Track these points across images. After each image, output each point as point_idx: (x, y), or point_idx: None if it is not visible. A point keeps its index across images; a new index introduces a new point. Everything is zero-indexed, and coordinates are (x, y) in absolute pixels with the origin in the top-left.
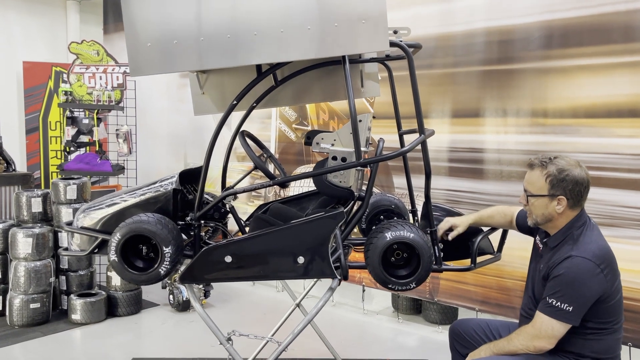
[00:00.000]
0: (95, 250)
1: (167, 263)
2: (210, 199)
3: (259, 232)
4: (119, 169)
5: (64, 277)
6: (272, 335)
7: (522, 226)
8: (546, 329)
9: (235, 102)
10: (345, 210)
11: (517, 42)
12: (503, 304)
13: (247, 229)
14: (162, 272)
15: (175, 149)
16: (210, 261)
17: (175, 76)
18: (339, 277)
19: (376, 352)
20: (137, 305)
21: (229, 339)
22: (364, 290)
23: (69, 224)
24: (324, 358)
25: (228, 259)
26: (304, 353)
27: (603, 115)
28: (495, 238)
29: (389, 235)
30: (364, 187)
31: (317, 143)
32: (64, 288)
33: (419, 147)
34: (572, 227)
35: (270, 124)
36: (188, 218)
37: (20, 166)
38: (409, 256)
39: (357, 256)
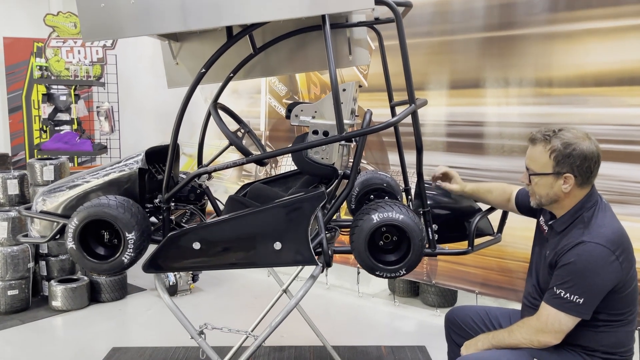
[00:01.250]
0: (57, 237)
1: (131, 250)
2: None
3: (230, 215)
4: (101, 149)
5: (44, 263)
6: (258, 322)
7: (522, 206)
8: (552, 323)
9: (204, 70)
10: (327, 190)
11: (520, 6)
12: (504, 286)
13: None
14: (126, 260)
15: (163, 126)
16: (176, 248)
17: (160, 50)
18: (320, 264)
19: (371, 338)
20: (122, 290)
21: (201, 333)
22: (359, 273)
23: (28, 208)
24: (314, 345)
25: (196, 245)
26: (294, 340)
27: (613, 83)
28: (495, 218)
29: (375, 217)
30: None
31: (296, 115)
32: (45, 274)
33: (410, 119)
34: (582, 209)
35: (259, 99)
36: (157, 200)
37: (4, 147)
38: (398, 240)
39: (346, 240)
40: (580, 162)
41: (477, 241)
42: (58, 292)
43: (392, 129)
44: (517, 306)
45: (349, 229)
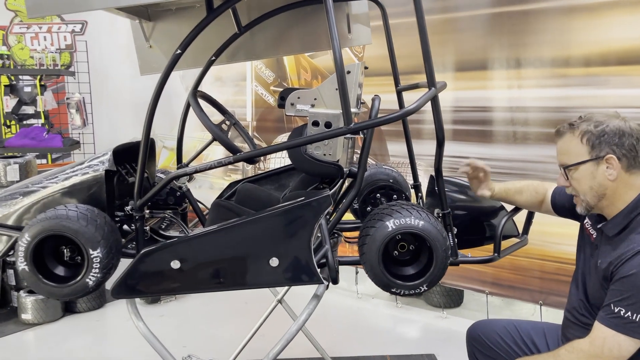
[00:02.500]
0: (11, 252)
1: (97, 270)
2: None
3: (216, 227)
4: (73, 144)
5: (12, 271)
6: (251, 336)
7: (560, 207)
8: (610, 348)
9: (179, 51)
10: (332, 192)
11: None
12: (517, 285)
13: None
14: (91, 282)
15: (141, 119)
16: (151, 268)
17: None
18: (326, 283)
19: (374, 345)
20: (99, 299)
21: None
22: (357, 272)
23: None
24: (311, 357)
25: (175, 264)
26: (289, 352)
27: (638, 61)
28: (519, 218)
29: (391, 224)
30: (356, 160)
31: (292, 104)
32: (13, 283)
33: (426, 106)
34: (639, 207)
35: (245, 87)
36: (128, 207)
37: None
38: (416, 249)
39: (348, 248)
40: (618, 139)
41: (502, 244)
42: (28, 303)
43: None
44: (532, 308)
45: (352, 233)
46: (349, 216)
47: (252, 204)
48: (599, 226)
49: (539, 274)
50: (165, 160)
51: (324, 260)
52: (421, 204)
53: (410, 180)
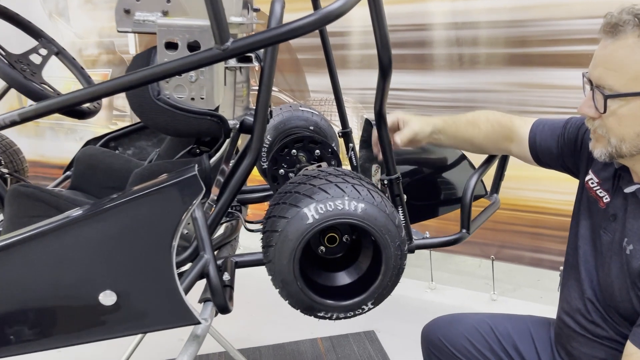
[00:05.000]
0: None
1: None
2: None
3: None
4: None
5: None
6: None
7: (545, 152)
8: None
9: None
10: (209, 164)
11: None
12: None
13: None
14: None
15: None
16: None
17: None
18: (202, 320)
19: (303, 328)
20: None
21: None
22: None
23: None
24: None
25: None
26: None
27: None
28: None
29: (311, 211)
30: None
31: (127, 11)
32: None
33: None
34: None
35: None
36: None
37: None
38: (355, 242)
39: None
40: None
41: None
42: None
43: (317, 34)
44: (478, 262)
45: (260, 204)
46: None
47: (92, 184)
48: (630, 189)
49: (490, 224)
50: None
51: (207, 281)
52: (354, 159)
53: (337, 127)
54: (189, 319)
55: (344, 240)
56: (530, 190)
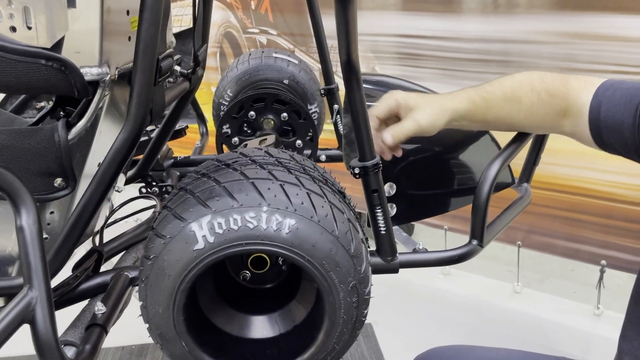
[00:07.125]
0: None
1: None
2: None
3: None
4: None
5: None
6: None
7: (612, 129)
8: None
9: None
10: (63, 136)
11: None
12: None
13: None
14: None
15: None
16: None
17: None
18: None
19: None
20: None
21: None
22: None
23: None
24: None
25: None
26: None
27: None
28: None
29: (202, 229)
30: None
31: None
32: None
33: None
34: None
35: None
36: None
37: None
38: (295, 269)
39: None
40: None
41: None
42: None
43: None
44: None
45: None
46: None
47: None
48: None
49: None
50: None
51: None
52: (340, 125)
53: (323, 82)
54: None
55: (280, 263)
56: (570, 166)
